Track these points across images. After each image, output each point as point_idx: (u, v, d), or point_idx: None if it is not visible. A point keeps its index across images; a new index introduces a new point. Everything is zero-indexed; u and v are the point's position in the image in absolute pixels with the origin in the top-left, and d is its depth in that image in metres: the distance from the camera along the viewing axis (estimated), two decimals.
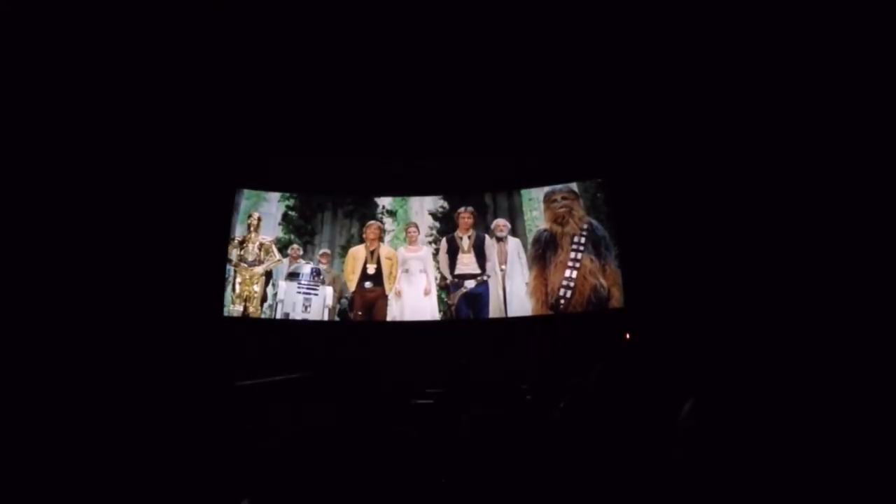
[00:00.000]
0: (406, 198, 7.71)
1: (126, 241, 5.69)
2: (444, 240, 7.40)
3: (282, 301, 6.97)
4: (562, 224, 7.06)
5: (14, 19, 4.23)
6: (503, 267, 7.19)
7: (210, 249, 6.95)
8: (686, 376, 1.97)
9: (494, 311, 7.09)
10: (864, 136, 4.13)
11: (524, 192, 7.45)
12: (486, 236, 7.34)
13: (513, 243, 7.25)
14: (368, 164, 7.53)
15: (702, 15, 4.68)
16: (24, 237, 4.66)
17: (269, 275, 7.13)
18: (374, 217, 7.53)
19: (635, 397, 1.97)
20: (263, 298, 7.04)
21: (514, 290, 7.11)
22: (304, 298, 7.00)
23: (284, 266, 7.20)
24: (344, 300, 7.11)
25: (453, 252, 7.33)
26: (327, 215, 7.53)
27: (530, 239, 7.25)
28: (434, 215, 7.61)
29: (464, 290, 7.15)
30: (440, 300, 7.23)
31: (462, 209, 7.43)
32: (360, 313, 7.05)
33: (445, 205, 7.61)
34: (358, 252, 7.34)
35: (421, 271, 7.30)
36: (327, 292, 7.10)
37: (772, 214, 4.90)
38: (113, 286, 5.41)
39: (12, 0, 4.17)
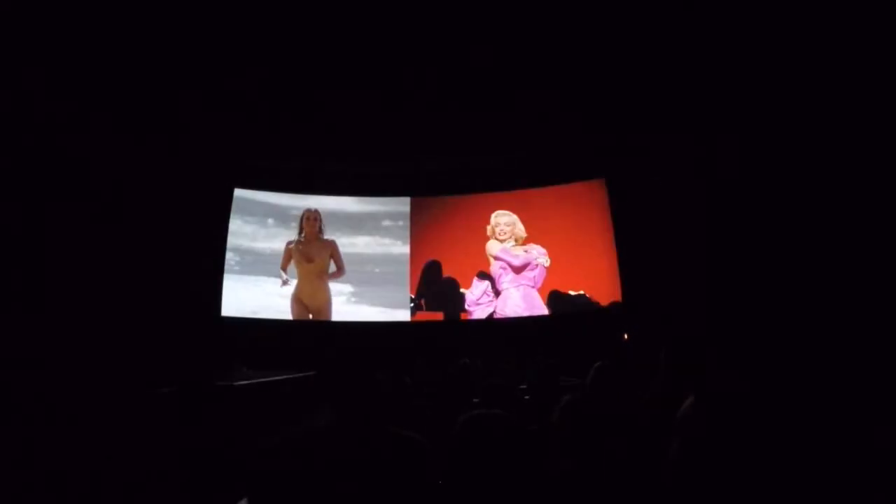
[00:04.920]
0: None
1: (126, 241, 5.68)
2: None
3: None
4: None
5: (12, 19, 4.23)
6: None
7: (209, 249, 6.96)
8: (684, 375, 1.97)
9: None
10: (863, 136, 4.13)
11: None
12: None
13: None
14: (367, 165, 7.56)
15: (703, 15, 4.68)
16: (25, 238, 4.65)
17: None
18: None
19: (633, 397, 1.98)
20: None
21: None
22: None
23: None
24: None
25: None
26: None
27: None
28: None
29: None
30: None
31: None
32: None
33: None
34: None
35: None
36: None
37: (771, 214, 4.90)
38: (111, 286, 5.40)
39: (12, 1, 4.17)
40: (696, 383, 1.19)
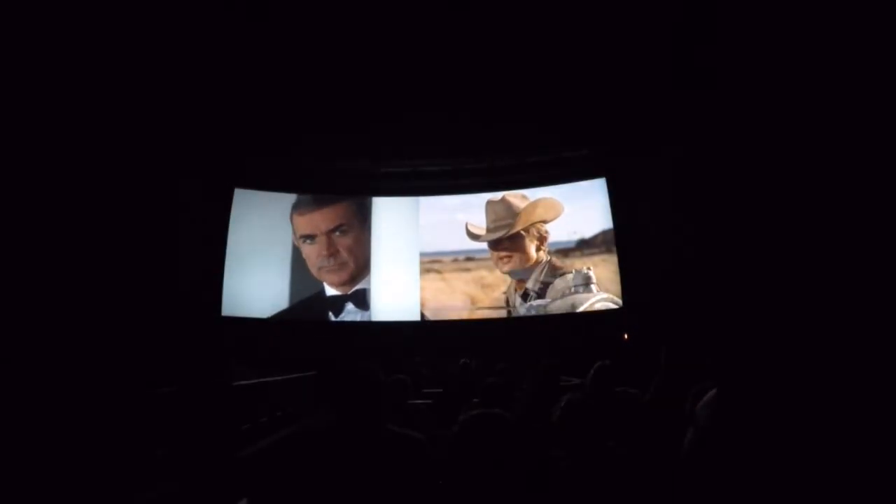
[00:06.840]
0: None
1: (126, 241, 5.68)
2: None
3: None
4: None
5: (14, 20, 4.23)
6: None
7: (209, 249, 6.95)
8: (684, 375, 1.97)
9: None
10: (862, 136, 4.12)
11: None
12: None
13: None
14: (363, 165, 7.57)
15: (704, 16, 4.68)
16: (27, 239, 4.65)
17: None
18: None
19: (633, 397, 1.98)
20: None
21: None
22: None
23: None
24: None
25: None
26: None
27: None
28: None
29: None
30: None
31: None
32: None
33: None
34: None
35: None
36: None
37: (771, 214, 4.90)
38: (113, 287, 5.40)
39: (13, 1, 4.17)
40: (721, 378, 1.19)
